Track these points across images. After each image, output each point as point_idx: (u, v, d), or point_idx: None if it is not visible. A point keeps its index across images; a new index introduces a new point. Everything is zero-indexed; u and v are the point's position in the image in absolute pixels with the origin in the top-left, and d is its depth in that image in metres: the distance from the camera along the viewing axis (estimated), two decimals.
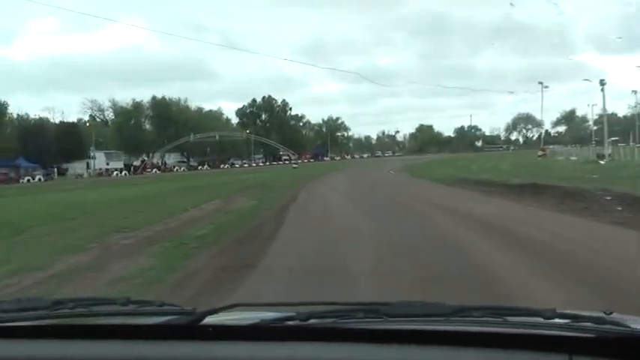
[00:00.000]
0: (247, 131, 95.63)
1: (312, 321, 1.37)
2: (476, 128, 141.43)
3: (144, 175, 73.60)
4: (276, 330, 1.37)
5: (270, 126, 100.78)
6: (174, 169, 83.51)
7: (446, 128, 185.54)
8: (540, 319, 1.33)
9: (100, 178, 68.12)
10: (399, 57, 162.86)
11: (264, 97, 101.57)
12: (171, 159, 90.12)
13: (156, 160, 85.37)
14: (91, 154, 75.79)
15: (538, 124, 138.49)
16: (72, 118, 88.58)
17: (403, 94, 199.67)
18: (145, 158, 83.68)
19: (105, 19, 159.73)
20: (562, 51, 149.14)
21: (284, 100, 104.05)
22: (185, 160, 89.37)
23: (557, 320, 1.32)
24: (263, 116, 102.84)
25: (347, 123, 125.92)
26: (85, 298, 1.60)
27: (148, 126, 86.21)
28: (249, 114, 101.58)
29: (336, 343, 1.32)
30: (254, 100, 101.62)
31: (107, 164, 76.96)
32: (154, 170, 79.91)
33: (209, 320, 1.41)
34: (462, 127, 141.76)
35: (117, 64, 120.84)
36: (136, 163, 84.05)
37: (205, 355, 1.34)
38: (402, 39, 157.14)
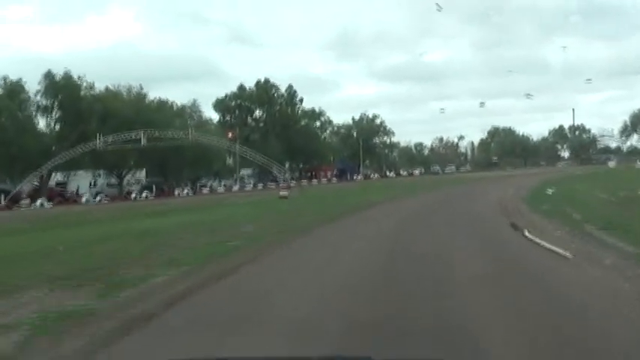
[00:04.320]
0: (230, 135, 60.06)
1: None
2: (582, 129, 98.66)
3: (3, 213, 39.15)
4: None
5: (267, 127, 64.18)
6: (84, 200, 48.50)
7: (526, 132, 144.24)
8: None
9: None
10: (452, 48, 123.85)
11: (258, 83, 64.89)
12: (101, 179, 55.79)
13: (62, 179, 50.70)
14: None
15: None
16: None
17: (461, 94, 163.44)
18: (35, 179, 48.69)
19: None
20: None
21: (290, 87, 67.12)
22: (116, 182, 54.26)
23: None
24: (257, 112, 66.20)
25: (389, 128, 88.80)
26: None
27: (41, 122, 51.09)
28: (235, 108, 65.06)
29: None
30: (242, 88, 64.97)
31: None
32: (40, 202, 45.07)
33: None
34: (561, 128, 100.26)
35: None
36: (30, 185, 49.84)
37: None
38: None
